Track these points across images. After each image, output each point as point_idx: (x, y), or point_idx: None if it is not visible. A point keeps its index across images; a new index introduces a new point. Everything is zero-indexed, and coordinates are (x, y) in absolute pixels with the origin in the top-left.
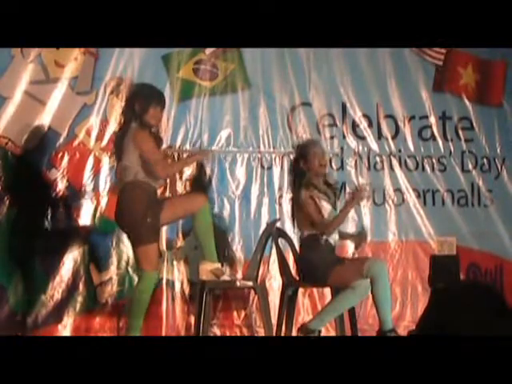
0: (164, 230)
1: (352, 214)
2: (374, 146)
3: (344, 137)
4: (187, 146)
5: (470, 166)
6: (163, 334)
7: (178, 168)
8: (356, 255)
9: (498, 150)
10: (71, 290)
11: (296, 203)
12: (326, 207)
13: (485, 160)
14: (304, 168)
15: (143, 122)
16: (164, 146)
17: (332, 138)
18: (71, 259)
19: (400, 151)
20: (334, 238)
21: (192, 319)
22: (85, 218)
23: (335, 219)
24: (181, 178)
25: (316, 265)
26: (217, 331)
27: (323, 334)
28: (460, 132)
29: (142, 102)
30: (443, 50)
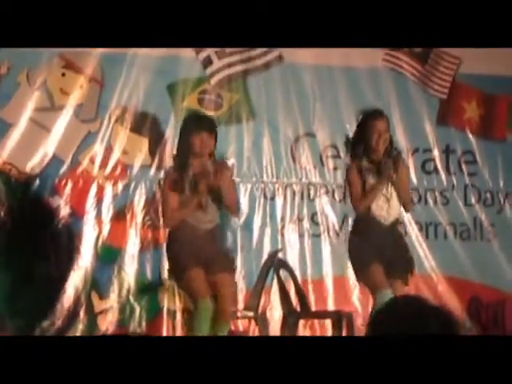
0: None
1: None
2: None
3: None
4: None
5: (473, 200)
6: None
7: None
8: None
9: (501, 185)
10: (72, 317)
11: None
12: (369, 182)
13: (488, 194)
14: (361, 137)
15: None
16: None
17: (335, 169)
18: (72, 286)
19: None
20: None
21: None
22: (87, 246)
23: (365, 196)
24: None
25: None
26: None
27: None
28: (463, 166)
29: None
30: (447, 84)
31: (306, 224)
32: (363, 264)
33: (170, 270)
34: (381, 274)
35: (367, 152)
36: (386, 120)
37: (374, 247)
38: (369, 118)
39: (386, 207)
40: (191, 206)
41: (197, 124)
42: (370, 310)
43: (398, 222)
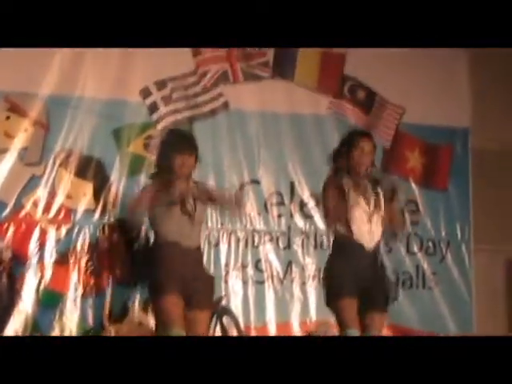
0: None
1: (297, 293)
2: (321, 225)
3: (291, 216)
4: None
5: (416, 249)
6: None
7: None
8: None
9: (443, 234)
10: None
11: None
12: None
13: (430, 243)
14: (344, 153)
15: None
16: (112, 219)
17: (280, 216)
18: (13, 330)
19: None
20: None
21: None
22: (28, 290)
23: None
24: (127, 252)
25: None
26: None
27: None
28: (406, 214)
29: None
30: (391, 133)
31: (250, 271)
32: (336, 294)
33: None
34: (353, 311)
35: (349, 169)
36: (372, 142)
37: (352, 274)
38: (355, 137)
39: (367, 230)
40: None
41: (179, 144)
42: None
43: (379, 248)
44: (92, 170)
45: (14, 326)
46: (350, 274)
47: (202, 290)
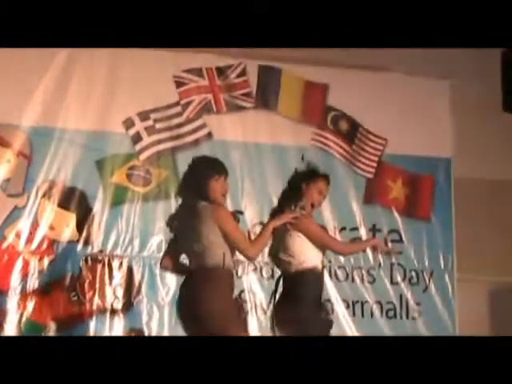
0: None
1: None
2: None
3: None
4: (118, 251)
5: (399, 279)
6: None
7: (263, 245)
8: None
9: (426, 264)
10: None
11: None
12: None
13: (413, 273)
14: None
15: (211, 199)
16: (95, 250)
17: None
18: None
19: (330, 262)
20: None
21: None
22: (11, 321)
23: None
24: (110, 283)
25: None
26: None
27: None
28: (389, 244)
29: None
30: (374, 164)
31: None
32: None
33: None
34: None
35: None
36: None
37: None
38: (315, 176)
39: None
40: None
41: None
42: None
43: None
44: (75, 201)
45: None
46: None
47: None
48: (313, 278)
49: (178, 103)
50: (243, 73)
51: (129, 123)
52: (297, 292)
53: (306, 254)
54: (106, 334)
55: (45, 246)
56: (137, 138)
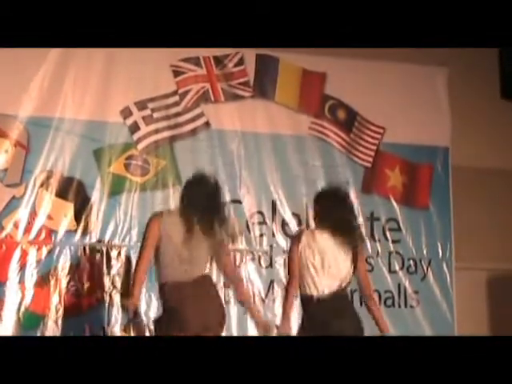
0: None
1: (279, 312)
2: None
3: (273, 235)
4: (116, 241)
5: (397, 267)
6: None
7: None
8: None
9: (425, 252)
10: None
11: None
12: None
13: (411, 261)
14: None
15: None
16: (93, 239)
17: (261, 235)
18: None
19: None
20: None
21: None
22: (9, 312)
23: None
24: (109, 273)
25: None
26: None
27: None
28: (387, 233)
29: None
30: (372, 153)
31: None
32: None
33: None
34: None
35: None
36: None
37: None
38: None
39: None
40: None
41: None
42: None
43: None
44: (73, 191)
45: None
46: None
47: None
48: None
49: (175, 92)
50: (241, 62)
51: (126, 113)
52: None
53: None
54: (104, 323)
55: (43, 235)
56: (134, 128)
